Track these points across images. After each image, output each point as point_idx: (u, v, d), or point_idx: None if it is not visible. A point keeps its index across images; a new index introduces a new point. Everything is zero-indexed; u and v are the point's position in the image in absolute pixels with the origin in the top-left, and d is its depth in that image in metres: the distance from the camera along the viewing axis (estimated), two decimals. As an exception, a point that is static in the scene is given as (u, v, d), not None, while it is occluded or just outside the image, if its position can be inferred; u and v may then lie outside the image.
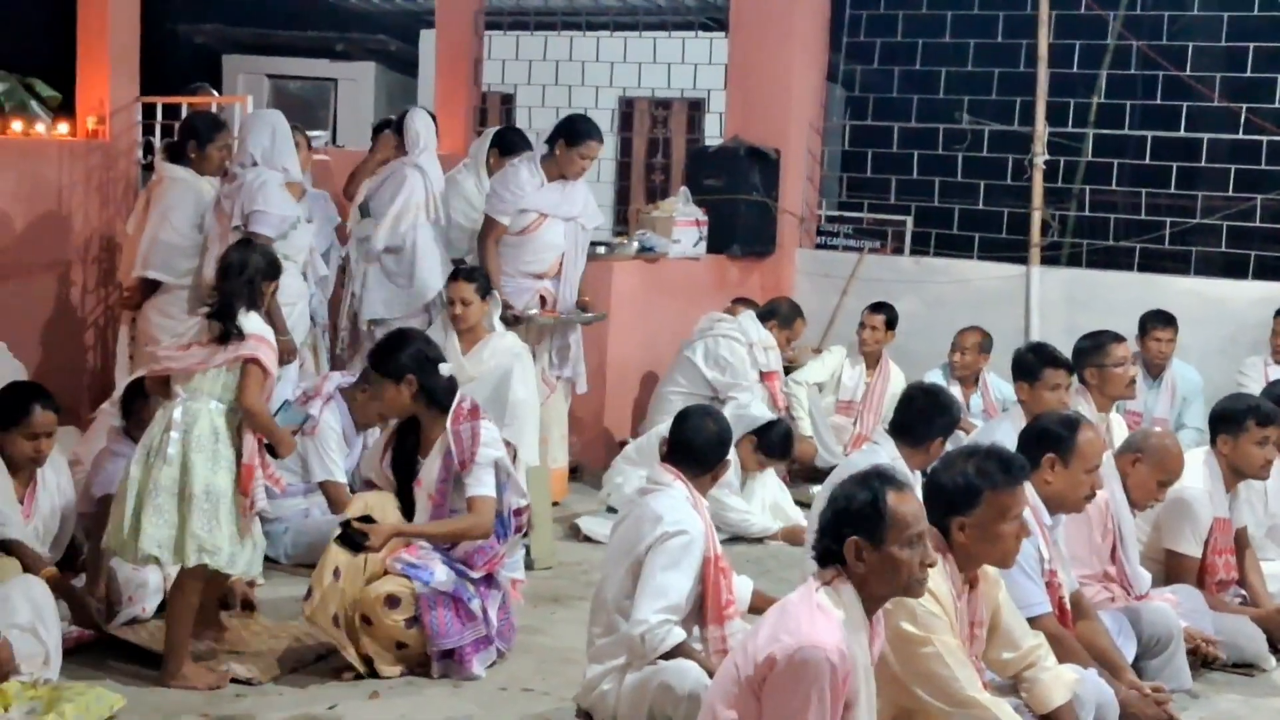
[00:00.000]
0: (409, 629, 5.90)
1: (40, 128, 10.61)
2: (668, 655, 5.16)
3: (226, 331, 5.70)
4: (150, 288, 8.27)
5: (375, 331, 8.62)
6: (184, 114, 9.31)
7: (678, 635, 5.18)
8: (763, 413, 8.66)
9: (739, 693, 4.04)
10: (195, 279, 8.09)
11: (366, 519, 5.88)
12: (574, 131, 8.91)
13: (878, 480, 4.15)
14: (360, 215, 9.19)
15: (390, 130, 9.43)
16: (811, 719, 3.93)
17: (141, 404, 6.48)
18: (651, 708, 5.14)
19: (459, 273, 8.28)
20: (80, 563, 6.41)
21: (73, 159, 9.47)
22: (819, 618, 4.00)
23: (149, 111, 9.83)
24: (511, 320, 8.64)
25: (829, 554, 4.12)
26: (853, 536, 4.06)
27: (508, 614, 6.26)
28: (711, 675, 4.80)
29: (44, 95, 12.65)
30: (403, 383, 6.18)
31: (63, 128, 10.19)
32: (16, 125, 10.94)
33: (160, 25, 12.52)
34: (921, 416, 6.29)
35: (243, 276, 5.85)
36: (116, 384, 7.95)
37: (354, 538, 5.78)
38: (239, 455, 5.76)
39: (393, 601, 5.86)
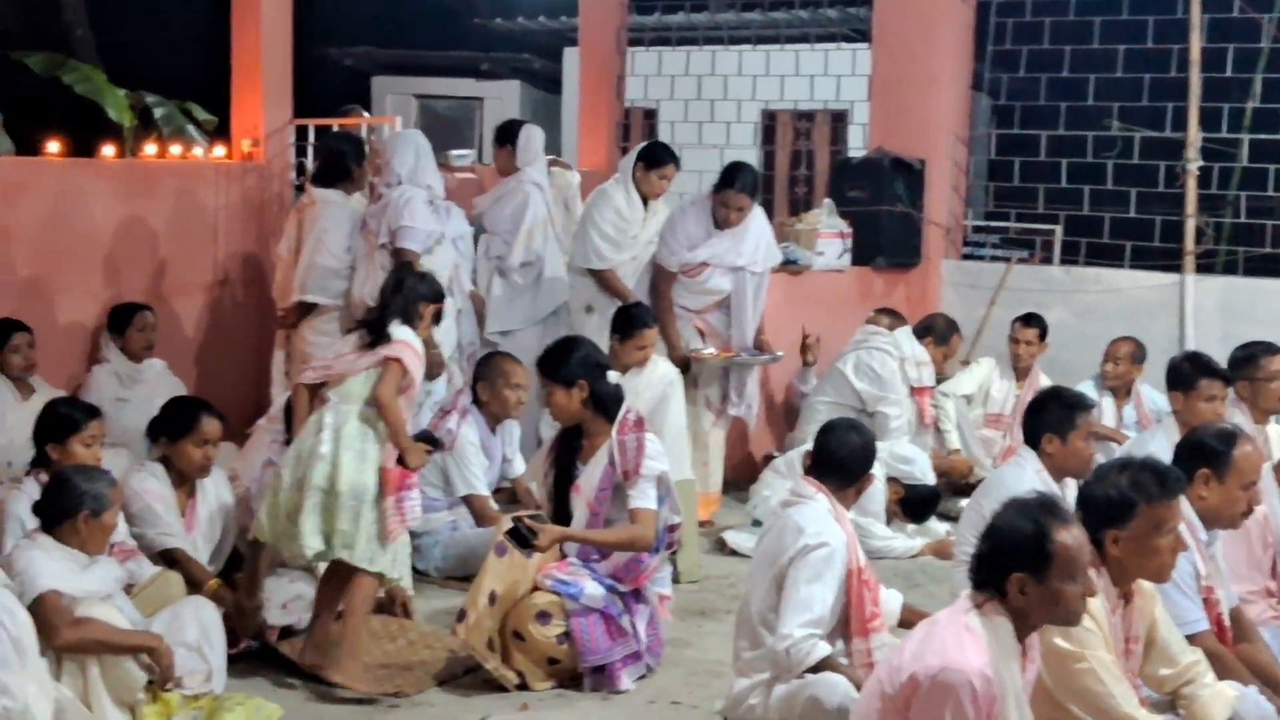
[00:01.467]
0: (560, 644, 5.93)
1: (197, 151, 10.85)
2: (814, 669, 5.13)
3: (376, 338, 5.91)
4: (306, 308, 8.41)
5: (500, 343, 8.79)
6: (333, 135, 9.44)
7: (822, 650, 5.15)
8: (925, 474, 8.65)
9: (885, 709, 4.00)
10: (347, 298, 8.25)
11: (536, 517, 5.94)
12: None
13: (1043, 514, 4.06)
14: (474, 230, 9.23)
15: (503, 143, 9.44)
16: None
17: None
18: (803, 720, 5.13)
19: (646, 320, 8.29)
20: (236, 575, 6.51)
21: (228, 181, 9.64)
22: (966, 640, 3.94)
23: (301, 133, 9.98)
24: (687, 359, 8.76)
25: (987, 583, 4.06)
26: (1016, 573, 3.99)
27: (656, 629, 6.27)
28: (859, 689, 4.79)
29: (200, 119, 12.96)
30: (574, 388, 6.24)
31: (218, 150, 10.40)
32: (174, 149, 11.22)
33: (311, 49, 12.74)
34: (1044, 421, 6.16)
35: (401, 295, 6.08)
36: (273, 401, 8.09)
37: (523, 534, 5.82)
38: None
39: (544, 617, 5.91)
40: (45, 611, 5.04)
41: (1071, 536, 4.03)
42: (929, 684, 3.87)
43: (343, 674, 5.80)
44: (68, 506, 5.30)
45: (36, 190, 8.75)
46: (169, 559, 6.11)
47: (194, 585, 5.98)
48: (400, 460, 5.92)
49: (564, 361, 6.34)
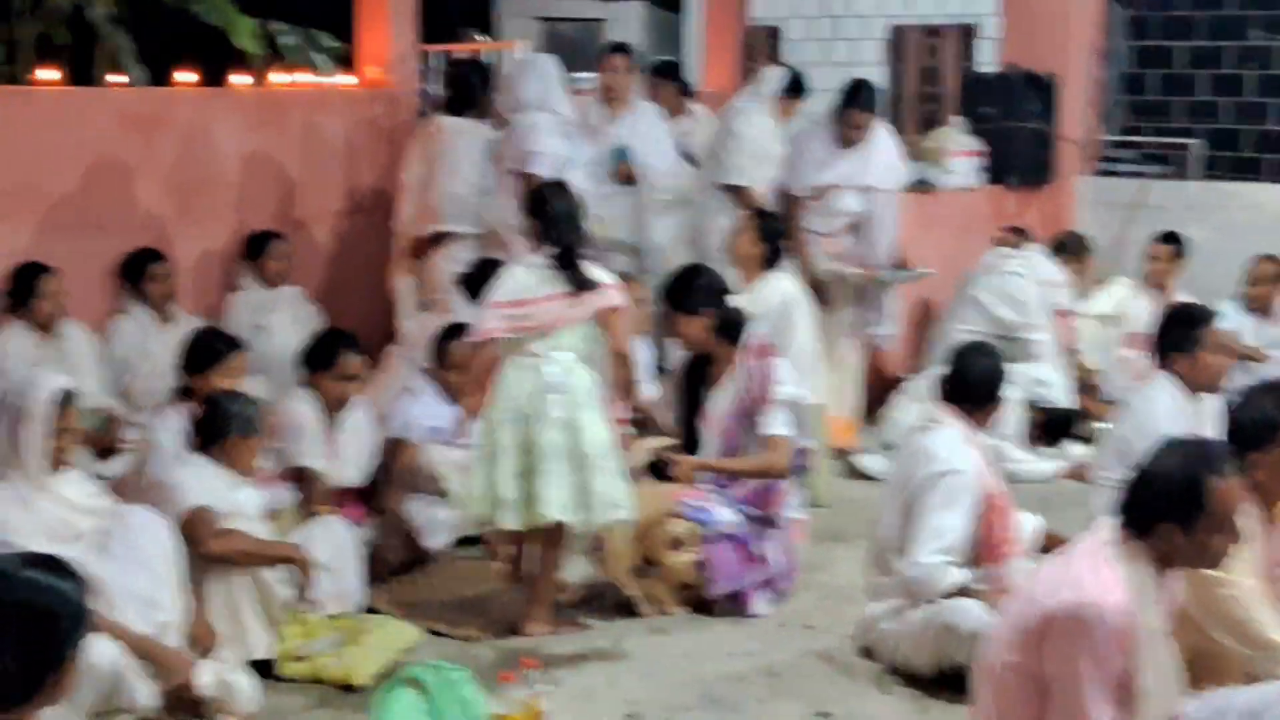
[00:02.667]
0: (693, 570, 5.96)
1: (324, 78, 10.93)
2: (947, 595, 5.14)
3: (579, 282, 5.71)
4: (438, 237, 8.47)
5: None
6: (457, 61, 9.47)
7: (955, 576, 5.16)
8: (1062, 397, 8.62)
9: (1019, 640, 3.97)
10: (483, 226, 8.29)
11: (672, 448, 5.96)
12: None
13: (1199, 463, 3.95)
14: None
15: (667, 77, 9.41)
16: (1086, 679, 3.82)
17: (455, 350, 6.68)
18: (935, 647, 5.15)
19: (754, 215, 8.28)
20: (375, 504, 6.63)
21: (355, 108, 9.70)
22: (1104, 574, 3.88)
23: (425, 59, 10.00)
24: (825, 277, 8.72)
25: (1130, 520, 3.98)
26: (1166, 522, 3.91)
27: (789, 555, 6.27)
28: (992, 614, 4.78)
29: (327, 46, 13.06)
30: (700, 316, 6.21)
31: (346, 78, 10.46)
32: (303, 77, 11.31)
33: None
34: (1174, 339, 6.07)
35: (569, 218, 5.86)
36: (401, 329, 8.18)
37: (663, 468, 5.84)
38: None
39: (677, 543, 5.93)
40: (194, 524, 5.20)
41: (1226, 488, 3.92)
42: (1064, 618, 3.84)
43: (544, 626, 5.82)
44: (219, 429, 5.46)
45: (170, 121, 8.87)
46: (302, 479, 6.24)
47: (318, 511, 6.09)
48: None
49: (688, 289, 6.32)
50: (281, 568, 5.45)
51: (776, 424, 6.11)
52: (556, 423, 5.62)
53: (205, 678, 4.84)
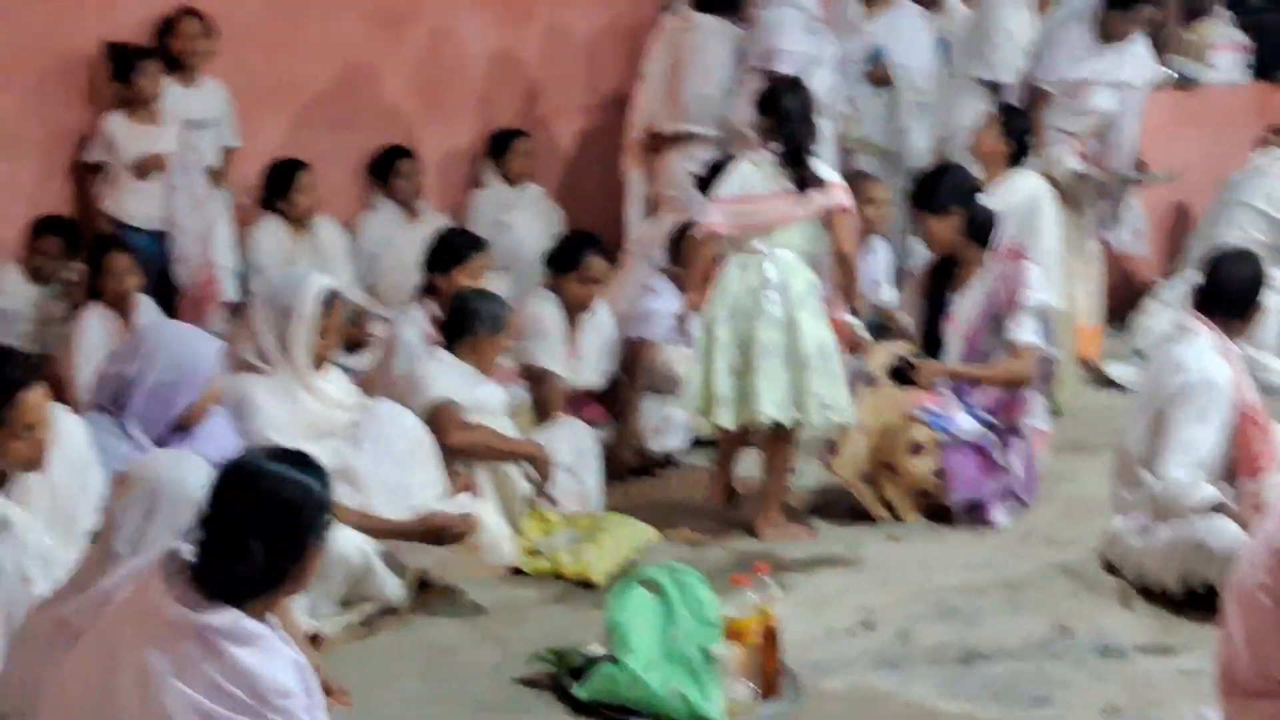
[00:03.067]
0: (932, 477, 5.89)
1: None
2: (1198, 511, 5.00)
3: (804, 180, 5.64)
4: (678, 136, 8.44)
5: None
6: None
7: (1207, 492, 5.02)
8: None
9: (1273, 563, 3.83)
10: (725, 128, 8.23)
11: (915, 354, 5.90)
12: None
13: None
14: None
15: None
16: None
17: (689, 246, 6.62)
18: (1184, 565, 5.04)
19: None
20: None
21: (600, 4, 9.66)
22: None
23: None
24: (1066, 178, 8.43)
25: None
26: None
27: (1031, 465, 6.16)
28: (1247, 531, 4.64)
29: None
30: (949, 216, 6.09)
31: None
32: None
33: None
34: None
35: (796, 115, 5.76)
36: (632, 226, 8.18)
37: (905, 372, 5.77)
38: None
39: (916, 449, 5.86)
40: (439, 416, 5.31)
41: None
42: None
43: (776, 530, 5.83)
44: (467, 326, 5.59)
45: (419, 18, 8.97)
46: (540, 379, 6.29)
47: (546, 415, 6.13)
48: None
49: (936, 189, 6.19)
50: (522, 465, 5.54)
51: (1025, 330, 5.98)
52: (774, 321, 5.60)
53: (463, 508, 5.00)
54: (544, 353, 6.33)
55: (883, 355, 5.99)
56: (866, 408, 5.90)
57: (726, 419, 5.72)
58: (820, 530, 5.91)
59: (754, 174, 5.75)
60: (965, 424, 5.92)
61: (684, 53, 8.40)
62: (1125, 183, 8.74)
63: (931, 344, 6.20)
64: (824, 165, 5.79)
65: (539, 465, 5.56)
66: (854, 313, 5.95)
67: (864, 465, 5.93)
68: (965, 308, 6.14)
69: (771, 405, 5.58)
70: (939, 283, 6.31)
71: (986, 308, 6.09)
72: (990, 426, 6.00)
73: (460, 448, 5.35)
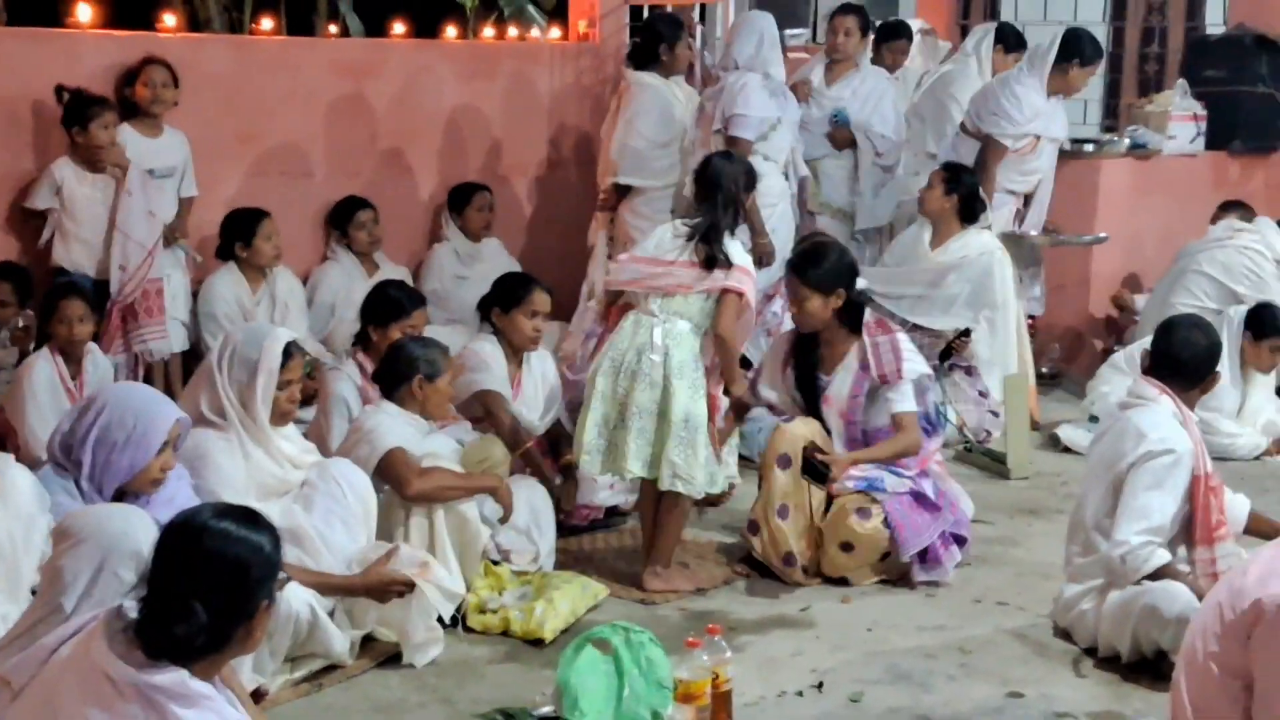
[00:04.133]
0: (885, 534, 5.87)
1: (535, 32, 10.99)
2: (1152, 576, 5.00)
3: (712, 257, 5.66)
4: (624, 190, 8.49)
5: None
6: (655, 15, 9.47)
7: (1161, 557, 5.01)
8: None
9: (1224, 633, 3.82)
10: (677, 184, 8.26)
11: (819, 450, 5.88)
12: (1095, 51, 8.69)
13: None
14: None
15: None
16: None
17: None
18: (1136, 630, 4.99)
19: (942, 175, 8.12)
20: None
21: (564, 62, 9.74)
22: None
23: (636, 14, 10.00)
24: (1010, 239, 8.50)
25: None
26: None
27: (953, 497, 6.23)
28: (1201, 599, 4.64)
29: (536, 1, 13.08)
30: (831, 295, 6.06)
31: (555, 32, 10.52)
32: (513, 30, 11.37)
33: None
34: None
35: (724, 193, 5.79)
36: (594, 283, 8.19)
37: (818, 469, 5.77)
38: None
39: (864, 513, 5.85)
40: (394, 466, 5.31)
41: None
42: (1275, 613, 3.69)
43: (660, 581, 5.81)
44: (403, 372, 5.59)
45: (383, 71, 9.03)
46: (486, 408, 6.25)
47: (511, 446, 6.06)
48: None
49: (821, 265, 6.16)
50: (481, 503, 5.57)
51: (905, 400, 6.01)
52: (651, 383, 5.65)
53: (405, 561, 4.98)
54: (488, 382, 6.31)
55: (795, 438, 5.97)
56: (784, 491, 5.90)
57: (592, 468, 5.83)
58: (775, 594, 5.86)
59: (669, 238, 5.81)
60: (891, 480, 5.93)
61: (624, 110, 8.50)
62: (1067, 243, 8.86)
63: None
64: (738, 248, 5.78)
65: (501, 497, 5.60)
66: (726, 393, 5.94)
67: (791, 548, 5.90)
68: (841, 386, 6.14)
69: (637, 462, 5.67)
70: (807, 362, 6.29)
71: (859, 385, 6.10)
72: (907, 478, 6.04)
73: (421, 495, 5.34)
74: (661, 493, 5.75)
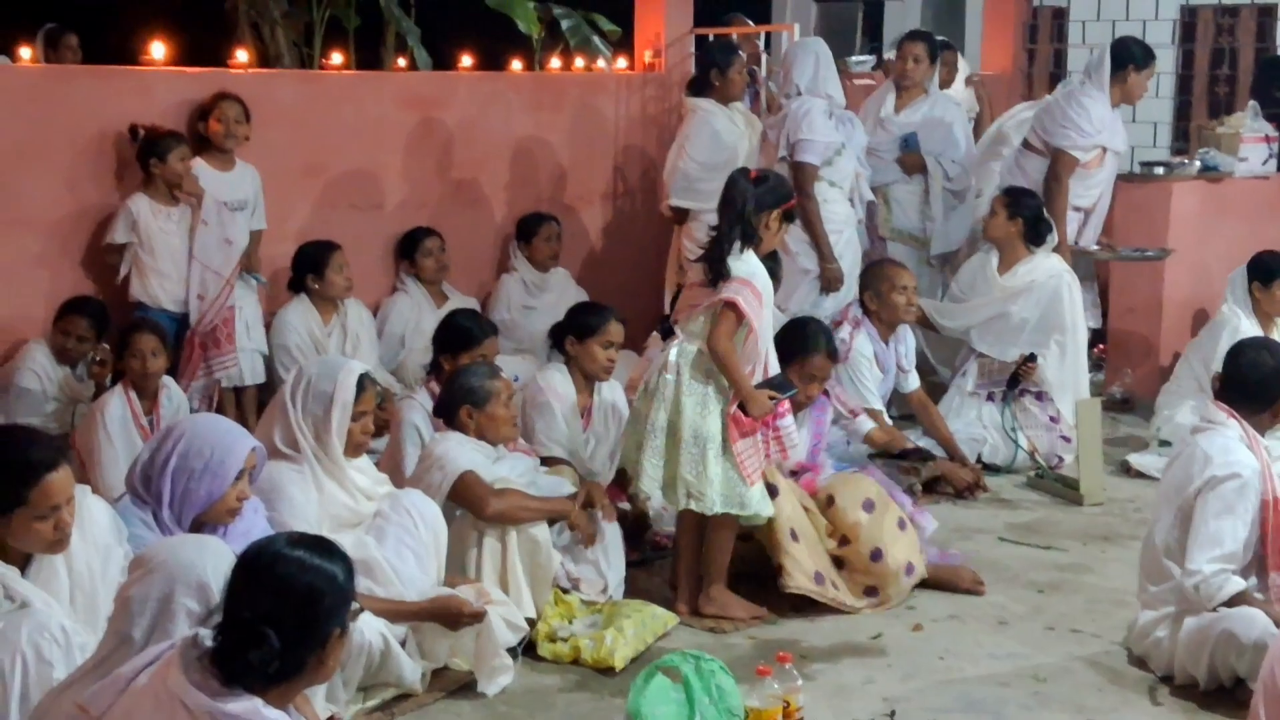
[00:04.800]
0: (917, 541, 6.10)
1: (601, 62, 11.04)
2: (1228, 604, 4.94)
3: (716, 274, 5.60)
4: (681, 214, 8.52)
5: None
6: (715, 45, 9.50)
7: (1235, 584, 4.97)
8: None
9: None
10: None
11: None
12: (1146, 53, 8.61)
13: None
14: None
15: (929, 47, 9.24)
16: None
17: None
18: (1213, 657, 4.95)
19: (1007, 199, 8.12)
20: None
21: (629, 92, 9.78)
22: None
23: (700, 43, 10.03)
24: (1074, 252, 8.47)
25: None
26: None
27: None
28: (1278, 625, 4.61)
29: (604, 29, 13.16)
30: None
31: (621, 62, 10.56)
32: (579, 61, 11.42)
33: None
34: None
35: (734, 210, 5.68)
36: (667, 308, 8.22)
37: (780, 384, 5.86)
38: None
39: (902, 524, 6.06)
40: (470, 487, 5.33)
41: None
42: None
43: (714, 606, 5.78)
44: (452, 401, 5.62)
45: (451, 103, 9.08)
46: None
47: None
48: (743, 407, 5.68)
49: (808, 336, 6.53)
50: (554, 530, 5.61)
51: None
52: (665, 401, 5.65)
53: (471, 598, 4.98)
54: (546, 435, 6.39)
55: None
56: (784, 516, 5.87)
57: (632, 487, 5.99)
58: (848, 620, 5.83)
59: (699, 262, 5.82)
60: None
61: (680, 133, 8.62)
62: (1128, 258, 8.83)
63: None
64: (743, 261, 5.65)
65: (576, 521, 5.62)
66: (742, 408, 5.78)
67: (817, 566, 5.92)
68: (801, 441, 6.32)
69: (650, 483, 5.70)
70: None
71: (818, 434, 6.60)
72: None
73: (498, 515, 5.36)
74: (704, 517, 5.72)
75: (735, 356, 5.62)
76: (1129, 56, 8.50)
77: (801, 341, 6.33)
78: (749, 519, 5.74)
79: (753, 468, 5.68)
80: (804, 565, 5.86)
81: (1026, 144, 8.66)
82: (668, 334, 6.22)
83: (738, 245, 5.68)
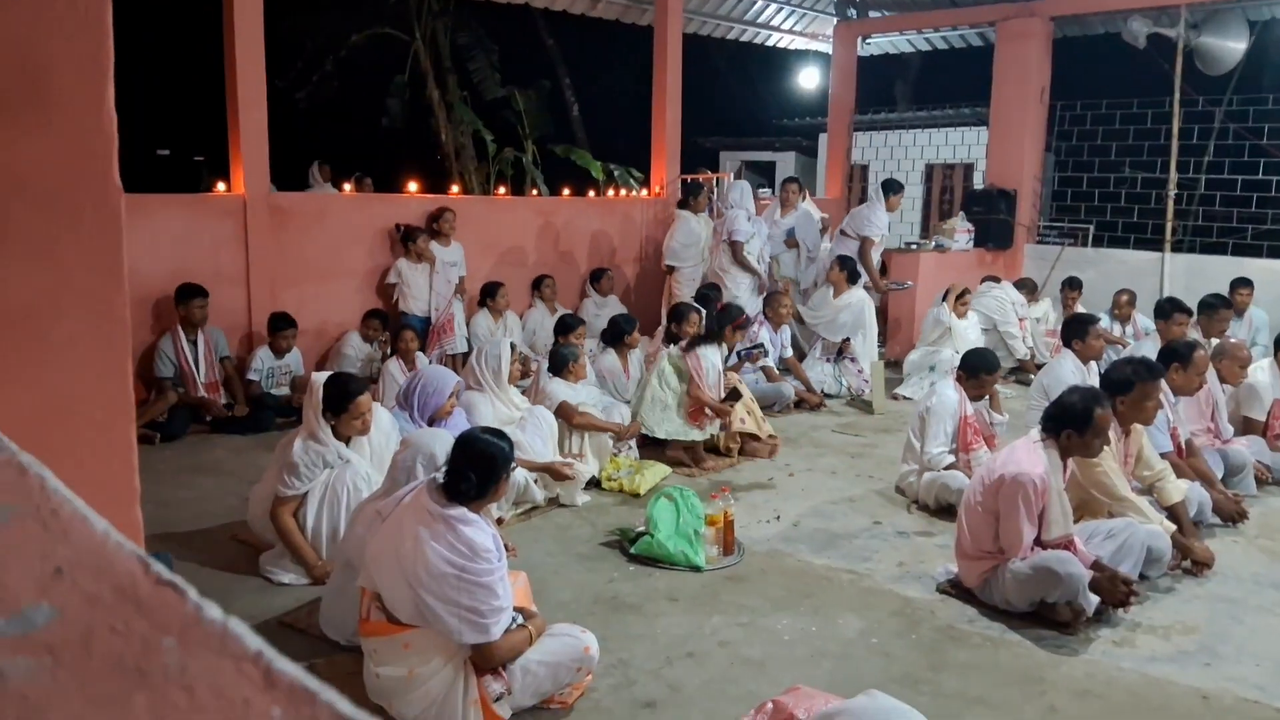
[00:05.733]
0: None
1: (635, 191, 10.94)
2: (945, 467, 4.94)
3: (691, 345, 5.72)
4: (670, 268, 8.52)
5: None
6: (690, 182, 9.44)
7: (947, 459, 4.95)
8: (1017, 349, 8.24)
9: (984, 491, 3.80)
10: (703, 268, 8.25)
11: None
12: (900, 186, 8.59)
13: (1091, 400, 3.73)
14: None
15: (791, 184, 9.14)
16: (1022, 515, 3.65)
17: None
18: (937, 494, 4.95)
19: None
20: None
21: (647, 208, 9.72)
22: (1034, 457, 3.71)
23: (684, 182, 9.98)
24: (883, 289, 8.55)
25: (1050, 430, 3.76)
26: (1068, 429, 3.70)
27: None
28: (970, 477, 4.59)
29: (635, 176, 13.11)
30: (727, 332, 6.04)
31: (644, 191, 10.49)
32: (623, 191, 11.30)
33: (691, 137, 12.66)
34: (1073, 332, 5.66)
35: (711, 323, 5.87)
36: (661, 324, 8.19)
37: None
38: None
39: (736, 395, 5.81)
40: (564, 410, 5.27)
41: (1103, 414, 3.71)
42: (1010, 480, 3.66)
43: (710, 463, 5.70)
44: (556, 362, 5.49)
45: (558, 212, 9.04)
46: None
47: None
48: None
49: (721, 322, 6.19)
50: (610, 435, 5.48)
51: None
52: (656, 378, 5.70)
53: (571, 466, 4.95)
54: (610, 388, 6.20)
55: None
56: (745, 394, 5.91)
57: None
58: (754, 468, 5.72)
59: (690, 342, 5.80)
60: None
61: (672, 228, 8.52)
62: (898, 290, 8.85)
63: None
64: (707, 350, 5.67)
65: (619, 434, 5.50)
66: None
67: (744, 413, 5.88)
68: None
69: (647, 418, 5.66)
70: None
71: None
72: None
73: (579, 426, 5.31)
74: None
75: (702, 392, 5.61)
76: (891, 188, 8.47)
77: (736, 315, 6.04)
78: (690, 440, 5.68)
79: (696, 423, 5.65)
80: (741, 415, 5.85)
81: (843, 233, 8.64)
82: (668, 337, 6.20)
83: (704, 342, 5.70)
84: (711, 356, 5.73)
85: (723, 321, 5.84)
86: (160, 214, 6.55)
